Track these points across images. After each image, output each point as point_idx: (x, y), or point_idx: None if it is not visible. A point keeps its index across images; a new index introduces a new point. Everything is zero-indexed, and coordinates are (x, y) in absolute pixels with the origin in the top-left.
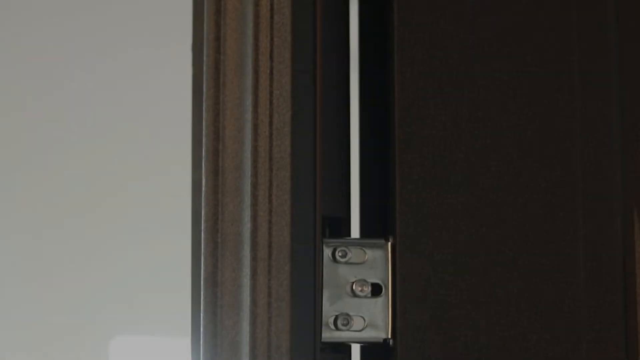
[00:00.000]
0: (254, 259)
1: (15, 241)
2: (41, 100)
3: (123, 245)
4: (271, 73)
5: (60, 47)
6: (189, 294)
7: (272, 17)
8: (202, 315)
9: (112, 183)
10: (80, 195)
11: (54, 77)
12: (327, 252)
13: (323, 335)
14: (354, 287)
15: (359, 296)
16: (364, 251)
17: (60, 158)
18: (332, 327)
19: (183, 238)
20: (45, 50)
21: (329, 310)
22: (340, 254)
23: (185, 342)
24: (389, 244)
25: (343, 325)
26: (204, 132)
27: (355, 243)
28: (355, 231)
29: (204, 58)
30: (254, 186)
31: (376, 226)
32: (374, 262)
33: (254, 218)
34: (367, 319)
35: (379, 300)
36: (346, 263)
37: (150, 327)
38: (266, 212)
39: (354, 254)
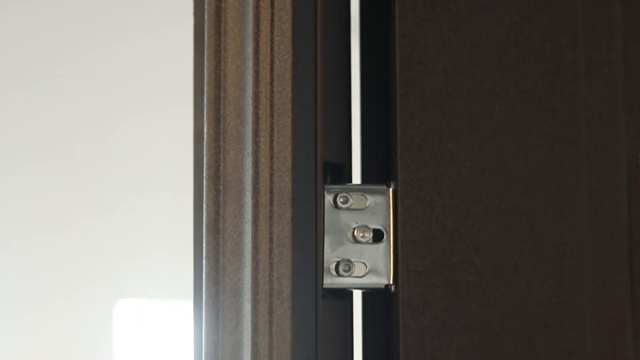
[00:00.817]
0: (255, 205)
1: (18, 205)
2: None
3: (126, 208)
4: (272, 20)
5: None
6: (193, 257)
7: None
8: (204, 262)
9: (114, 150)
10: (82, 160)
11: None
12: (328, 198)
13: (325, 281)
14: (355, 233)
15: (361, 242)
16: (366, 197)
17: (67, 112)
18: (334, 273)
19: (187, 203)
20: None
21: (330, 257)
22: (341, 200)
23: (189, 304)
24: (390, 190)
25: (344, 271)
26: (205, 80)
27: (356, 189)
28: (356, 177)
29: (205, 6)
30: (255, 133)
31: (377, 172)
32: (376, 208)
33: (256, 165)
34: (369, 265)
35: (381, 246)
36: (347, 209)
37: (154, 290)
38: (267, 159)
39: (355, 200)
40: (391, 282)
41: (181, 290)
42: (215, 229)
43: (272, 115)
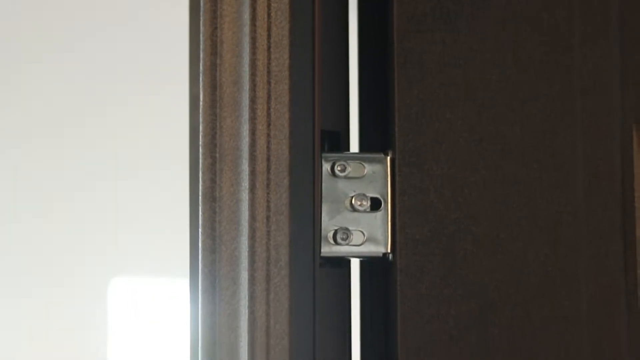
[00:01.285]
0: (252, 172)
1: (11, 183)
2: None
3: (122, 186)
4: None
5: None
6: (189, 231)
7: None
8: (200, 230)
9: (109, 126)
10: (76, 136)
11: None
12: (326, 166)
13: (322, 249)
14: (353, 202)
15: (358, 210)
16: (363, 165)
17: (59, 89)
18: (332, 241)
19: (183, 180)
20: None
21: (328, 225)
22: (339, 168)
23: (184, 282)
24: (388, 158)
25: (342, 239)
26: (201, 47)
27: (354, 157)
28: (354, 146)
29: None
30: (252, 100)
31: (375, 141)
32: (373, 177)
33: (252, 132)
34: (367, 234)
35: (378, 214)
36: (345, 177)
37: (149, 268)
38: (265, 126)
39: (353, 168)
40: (389, 251)
41: (177, 268)
42: (212, 197)
43: (269, 83)
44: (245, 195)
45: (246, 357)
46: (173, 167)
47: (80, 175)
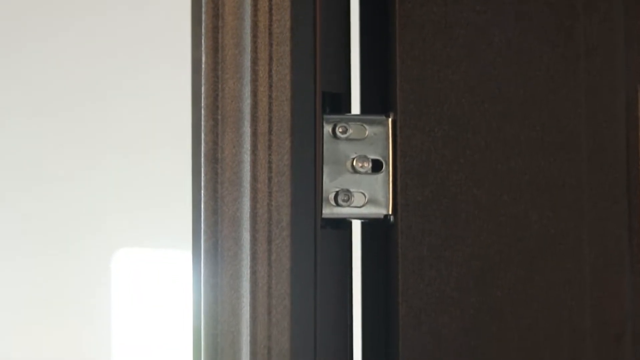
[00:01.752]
0: (254, 134)
1: (17, 156)
2: None
3: (126, 158)
4: None
5: None
6: (191, 190)
7: None
8: (202, 192)
9: (113, 100)
10: (81, 110)
11: None
12: (327, 128)
13: (324, 211)
14: (354, 163)
15: (360, 172)
16: (365, 127)
17: (65, 65)
18: (333, 203)
19: (186, 151)
20: None
21: (329, 186)
22: (340, 130)
23: (188, 254)
24: (390, 120)
25: (343, 201)
26: (203, 9)
27: (355, 119)
28: (355, 108)
29: None
30: (254, 62)
31: (376, 103)
32: (375, 139)
33: (254, 94)
34: (368, 195)
35: (380, 176)
36: (346, 139)
37: (153, 239)
38: (266, 88)
39: (354, 130)
40: (390, 212)
41: (180, 240)
42: (214, 159)
43: (270, 44)
44: (247, 157)
45: (248, 318)
46: (176, 139)
47: (85, 147)
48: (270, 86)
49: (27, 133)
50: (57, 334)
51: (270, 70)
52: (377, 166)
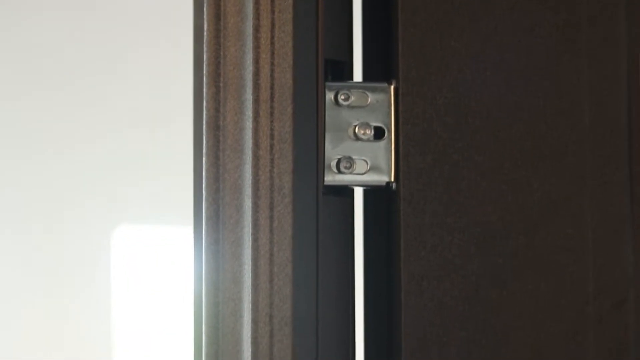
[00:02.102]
0: (256, 101)
1: (17, 131)
2: None
3: (127, 134)
4: None
5: None
6: (192, 157)
7: None
8: (204, 159)
9: (115, 75)
10: (82, 85)
11: None
12: (329, 95)
13: (326, 178)
14: (356, 131)
15: (362, 139)
16: (367, 95)
17: (67, 42)
18: (335, 170)
19: (188, 127)
20: None
21: (331, 154)
22: (342, 97)
23: (189, 230)
24: (392, 87)
25: (345, 168)
26: None
27: (357, 86)
28: (357, 75)
29: None
30: (256, 29)
31: (378, 70)
32: (377, 106)
33: (256, 61)
34: (370, 162)
35: (382, 143)
36: (348, 106)
37: (154, 216)
38: (268, 55)
39: (356, 97)
40: (392, 179)
41: (181, 216)
42: (216, 126)
43: (272, 12)
44: (249, 124)
45: (249, 285)
46: (179, 119)
47: (84, 124)
48: (273, 53)
49: (27, 106)
50: (56, 310)
51: (272, 38)
52: (379, 133)
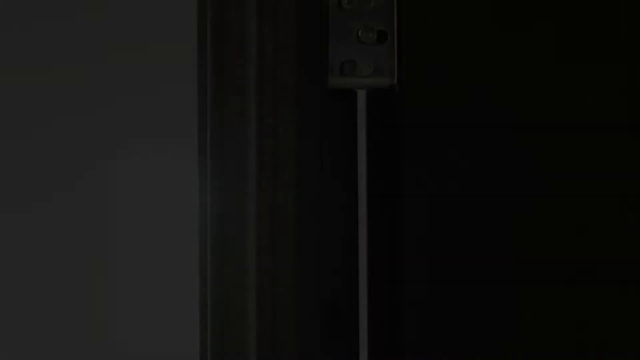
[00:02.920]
0: (260, 6)
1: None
2: None
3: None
4: None
5: None
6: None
7: None
8: (208, 62)
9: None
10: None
11: None
12: None
13: (330, 81)
14: (359, 34)
15: (365, 43)
16: None
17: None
18: (338, 73)
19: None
20: None
21: (335, 57)
22: (346, 0)
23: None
24: None
25: (349, 71)
26: None
27: None
28: None
29: None
30: None
31: None
32: (380, 9)
33: None
34: (373, 66)
35: (385, 46)
36: (352, 10)
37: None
38: None
39: (359, 0)
40: (395, 82)
41: (185, 146)
42: (220, 37)
43: None
44: (253, 30)
45: (254, 180)
46: (182, 77)
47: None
48: None
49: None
50: (54, 232)
51: None
52: (382, 37)
